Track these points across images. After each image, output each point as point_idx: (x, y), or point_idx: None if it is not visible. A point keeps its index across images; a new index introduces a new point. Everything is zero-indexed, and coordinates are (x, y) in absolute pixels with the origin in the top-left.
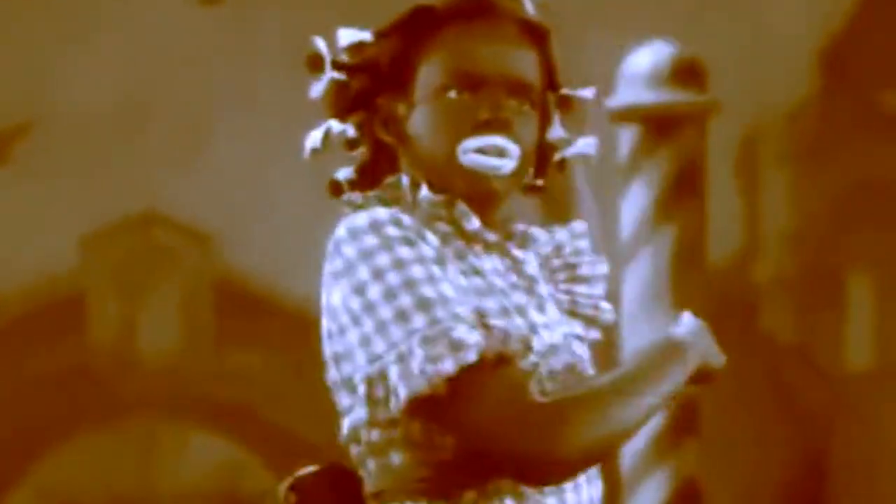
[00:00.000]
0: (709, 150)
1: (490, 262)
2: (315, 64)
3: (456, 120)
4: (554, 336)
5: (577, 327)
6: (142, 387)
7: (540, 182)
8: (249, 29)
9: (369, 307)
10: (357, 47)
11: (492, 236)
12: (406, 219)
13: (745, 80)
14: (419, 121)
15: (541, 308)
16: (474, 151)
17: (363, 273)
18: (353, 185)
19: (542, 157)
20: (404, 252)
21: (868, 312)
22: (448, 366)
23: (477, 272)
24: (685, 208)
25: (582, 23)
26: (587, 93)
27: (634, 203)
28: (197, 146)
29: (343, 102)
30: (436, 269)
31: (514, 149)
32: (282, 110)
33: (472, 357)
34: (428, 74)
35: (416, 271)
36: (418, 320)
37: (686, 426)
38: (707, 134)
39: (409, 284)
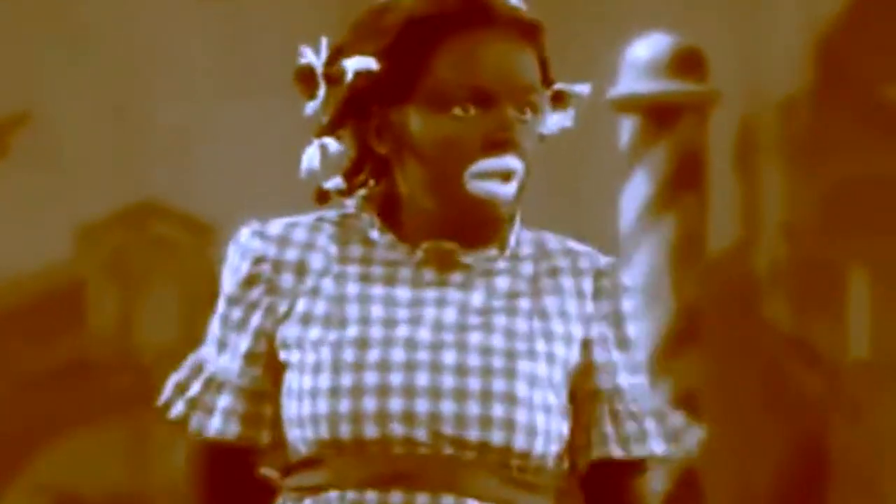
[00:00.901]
0: (709, 141)
1: (380, 290)
2: (305, 77)
3: (464, 140)
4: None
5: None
6: (140, 379)
7: None
8: (249, 20)
9: None
10: (364, 74)
11: (402, 261)
12: (272, 232)
13: (744, 72)
14: (422, 135)
15: (436, 347)
16: (483, 177)
17: None
18: (342, 194)
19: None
20: (226, 283)
21: (867, 303)
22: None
23: (340, 299)
24: (685, 199)
25: (583, 14)
26: (583, 88)
27: (635, 193)
28: (196, 136)
29: (337, 115)
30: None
31: (519, 167)
32: (280, 101)
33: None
34: (433, 86)
35: (220, 306)
36: (207, 345)
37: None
38: (707, 124)
39: (217, 312)
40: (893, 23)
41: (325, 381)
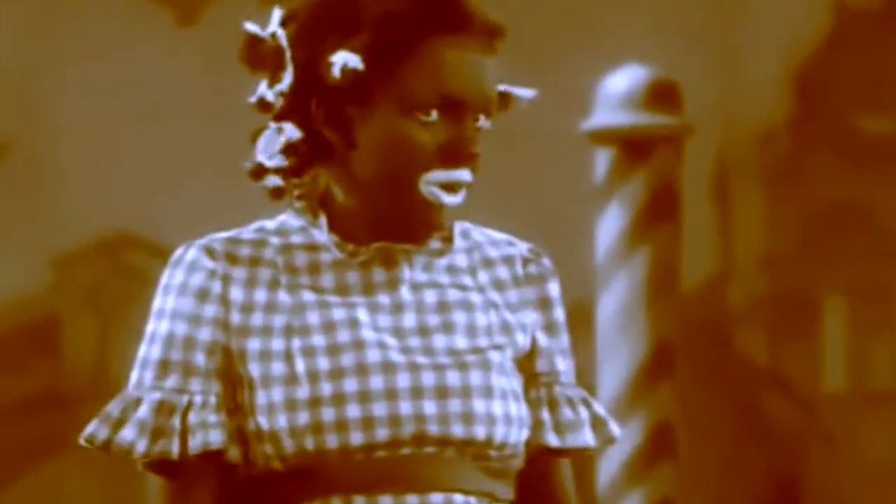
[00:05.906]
0: (683, 173)
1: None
2: (273, 57)
3: (424, 145)
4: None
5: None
6: None
7: None
8: (226, 49)
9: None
10: (349, 72)
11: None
12: (218, 248)
13: (721, 102)
14: (382, 134)
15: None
16: (435, 185)
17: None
18: (280, 171)
19: None
20: (169, 303)
21: (842, 335)
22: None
23: (298, 308)
24: (660, 231)
25: (559, 46)
26: (527, 92)
27: (610, 226)
28: (171, 168)
29: (291, 102)
30: (180, 327)
31: (469, 180)
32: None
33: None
34: (401, 88)
35: (162, 327)
36: (138, 375)
37: (662, 448)
38: (682, 157)
39: (152, 337)
40: (868, 53)
41: (302, 392)
